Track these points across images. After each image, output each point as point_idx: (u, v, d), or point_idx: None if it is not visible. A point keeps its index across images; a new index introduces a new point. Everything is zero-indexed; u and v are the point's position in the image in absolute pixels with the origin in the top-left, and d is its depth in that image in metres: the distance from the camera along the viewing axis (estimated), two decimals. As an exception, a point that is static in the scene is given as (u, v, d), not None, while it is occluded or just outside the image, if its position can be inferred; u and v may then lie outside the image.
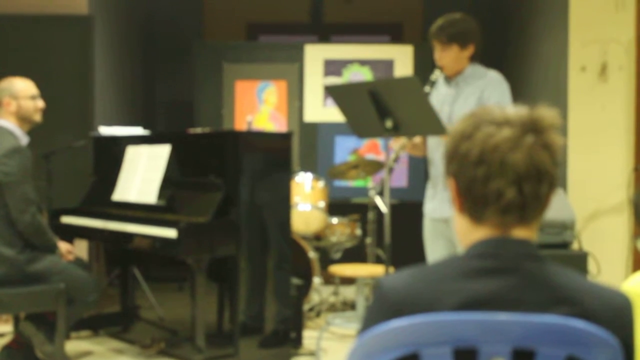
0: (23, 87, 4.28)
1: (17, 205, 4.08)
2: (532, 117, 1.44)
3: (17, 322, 4.54)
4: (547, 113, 1.46)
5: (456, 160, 1.47)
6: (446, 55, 3.82)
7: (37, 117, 4.32)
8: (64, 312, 4.11)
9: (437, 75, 3.85)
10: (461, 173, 1.47)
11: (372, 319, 1.45)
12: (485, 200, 1.44)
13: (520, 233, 1.46)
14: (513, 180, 1.41)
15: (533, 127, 1.43)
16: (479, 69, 3.90)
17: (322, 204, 5.84)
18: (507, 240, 1.45)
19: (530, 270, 1.42)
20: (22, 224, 4.09)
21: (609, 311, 1.41)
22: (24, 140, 4.25)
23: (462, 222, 1.52)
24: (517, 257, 1.43)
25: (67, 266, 4.26)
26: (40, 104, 4.33)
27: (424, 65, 7.07)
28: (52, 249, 4.26)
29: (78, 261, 4.47)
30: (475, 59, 3.90)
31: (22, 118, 4.25)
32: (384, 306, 1.44)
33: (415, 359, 1.38)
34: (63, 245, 4.34)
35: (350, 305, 6.13)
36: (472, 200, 1.47)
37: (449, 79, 3.92)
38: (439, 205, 3.87)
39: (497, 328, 1.34)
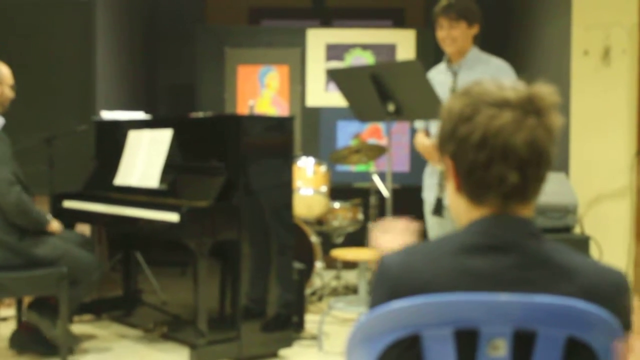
0: (7, 74, 4.29)
1: None
2: (531, 97, 1.41)
3: (19, 305, 4.55)
4: (545, 91, 1.43)
5: (454, 142, 1.45)
6: (454, 32, 3.81)
7: (7, 107, 4.30)
8: (66, 295, 4.12)
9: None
10: (461, 156, 1.44)
11: (375, 294, 1.46)
12: (487, 184, 1.43)
13: (519, 211, 1.46)
14: (515, 165, 1.40)
15: (534, 108, 1.40)
16: (481, 54, 3.91)
17: (324, 188, 5.84)
18: (507, 218, 1.45)
19: (530, 248, 1.42)
20: (7, 205, 4.06)
21: (608, 287, 1.41)
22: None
23: (459, 201, 1.51)
24: (517, 235, 1.43)
25: (69, 248, 4.27)
26: (12, 94, 4.32)
27: (426, 50, 7.05)
28: (43, 225, 4.23)
29: (80, 238, 4.49)
30: (476, 43, 3.91)
31: (0, 103, 4.25)
32: (384, 281, 1.45)
33: (416, 340, 1.39)
34: (54, 223, 4.34)
35: (352, 290, 6.14)
36: (473, 183, 1.45)
37: (450, 64, 3.91)
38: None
39: (498, 309, 1.34)
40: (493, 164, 1.40)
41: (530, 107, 1.41)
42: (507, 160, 1.40)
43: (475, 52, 3.89)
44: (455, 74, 3.83)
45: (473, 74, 3.81)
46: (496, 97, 1.42)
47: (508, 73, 3.85)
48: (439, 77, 3.93)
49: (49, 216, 4.34)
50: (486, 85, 1.45)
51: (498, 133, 1.39)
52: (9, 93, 4.29)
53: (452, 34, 3.81)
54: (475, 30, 3.86)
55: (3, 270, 4.05)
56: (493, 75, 3.77)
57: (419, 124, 4.06)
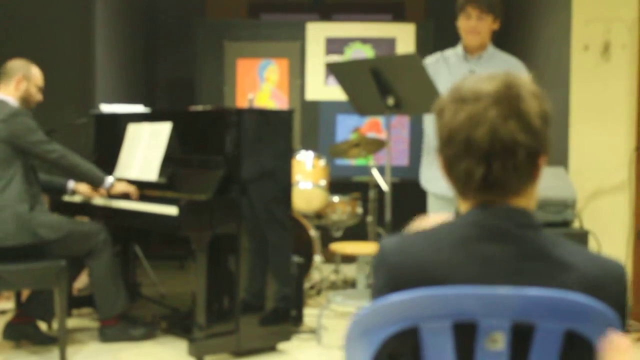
0: (37, 75, 4.42)
1: (41, 153, 4.20)
2: (502, 87, 1.41)
3: (18, 298, 4.56)
4: (519, 79, 1.44)
5: (437, 138, 1.49)
6: (482, 24, 3.81)
7: (33, 107, 4.44)
8: (64, 289, 4.13)
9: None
10: (439, 151, 1.48)
11: (376, 281, 1.47)
12: (459, 180, 1.45)
13: (513, 201, 1.46)
14: (479, 159, 1.40)
15: (500, 99, 1.40)
16: (496, 51, 3.93)
17: (323, 182, 5.84)
18: (499, 208, 1.45)
19: (527, 239, 1.42)
20: (57, 164, 4.24)
21: (606, 279, 1.41)
22: None
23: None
24: (511, 226, 1.43)
25: (73, 226, 4.31)
26: (40, 97, 4.45)
27: (426, 44, 7.04)
28: (98, 182, 4.42)
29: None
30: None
31: (24, 100, 4.35)
32: (383, 267, 1.45)
33: (414, 333, 1.39)
34: (120, 185, 4.45)
35: (350, 283, 6.14)
36: (452, 178, 1.48)
37: (467, 55, 3.91)
38: None
39: (496, 302, 1.34)
40: (459, 159, 1.42)
41: (496, 98, 1.40)
42: (471, 155, 1.41)
43: (492, 48, 3.91)
44: (475, 65, 3.84)
45: (492, 69, 3.81)
46: (466, 92, 1.43)
47: (523, 72, 3.86)
48: (453, 61, 3.93)
49: (111, 178, 4.44)
50: (463, 82, 1.47)
51: (460, 128, 1.41)
52: (35, 93, 4.41)
53: (478, 26, 3.80)
54: (496, 26, 3.87)
55: (10, 250, 4.07)
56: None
57: None
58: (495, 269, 1.39)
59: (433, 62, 3.94)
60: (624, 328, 1.41)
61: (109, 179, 4.42)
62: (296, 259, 4.71)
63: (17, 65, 4.34)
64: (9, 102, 4.25)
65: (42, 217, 4.19)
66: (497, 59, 3.90)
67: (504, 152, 1.39)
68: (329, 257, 6.50)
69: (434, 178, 3.98)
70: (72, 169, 4.32)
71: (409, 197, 5.85)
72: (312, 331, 4.68)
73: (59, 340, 4.11)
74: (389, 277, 1.42)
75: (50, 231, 4.18)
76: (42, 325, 4.51)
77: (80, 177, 4.44)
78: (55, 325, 4.44)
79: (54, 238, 4.18)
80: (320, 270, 5.90)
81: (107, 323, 4.42)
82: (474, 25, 3.81)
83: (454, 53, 3.97)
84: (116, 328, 4.43)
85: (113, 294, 4.38)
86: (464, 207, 1.50)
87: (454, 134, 1.42)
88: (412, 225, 1.78)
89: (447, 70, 3.91)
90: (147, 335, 4.50)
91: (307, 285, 5.66)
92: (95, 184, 4.43)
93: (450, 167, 1.46)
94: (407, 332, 1.38)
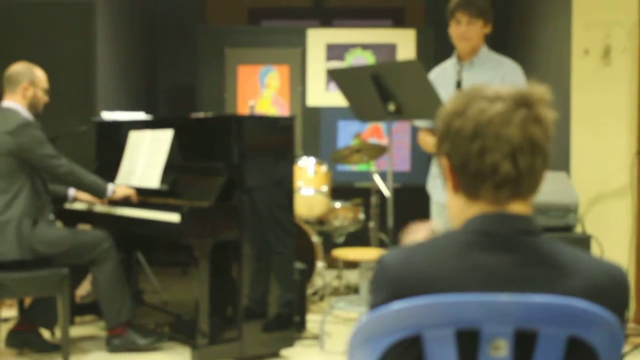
0: (42, 78, 4.40)
1: (49, 167, 4.19)
2: (522, 93, 1.45)
3: (21, 306, 4.56)
4: (536, 88, 1.47)
5: (449, 138, 1.48)
6: (471, 29, 3.81)
7: (41, 110, 4.42)
8: (67, 297, 4.13)
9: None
10: (455, 150, 1.47)
11: (376, 294, 1.46)
12: (481, 175, 1.44)
13: (517, 208, 1.47)
14: (508, 153, 1.42)
15: (524, 102, 1.43)
16: (491, 53, 3.93)
17: (325, 188, 5.84)
18: (504, 215, 1.46)
19: (529, 246, 1.43)
20: (63, 178, 4.27)
21: (608, 284, 1.42)
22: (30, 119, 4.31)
23: (457, 200, 1.52)
24: (515, 233, 1.44)
25: (74, 238, 4.29)
26: (47, 98, 4.43)
27: (427, 50, 7.05)
28: (102, 193, 4.42)
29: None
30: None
31: (32, 105, 4.33)
32: (385, 281, 1.45)
33: (417, 340, 1.39)
34: (120, 190, 4.46)
35: (353, 289, 6.14)
36: (468, 176, 1.47)
37: (461, 61, 3.91)
38: None
39: (499, 309, 1.34)
40: (486, 153, 1.43)
41: (520, 101, 1.44)
42: (499, 149, 1.42)
43: (485, 51, 3.91)
44: (460, 70, 3.84)
45: (484, 73, 3.81)
46: (488, 93, 1.46)
47: (519, 74, 3.86)
48: (451, 71, 3.94)
49: (111, 185, 4.44)
50: (480, 85, 1.50)
51: (490, 123, 1.42)
52: (42, 96, 4.39)
53: (469, 32, 3.80)
54: (488, 29, 3.87)
55: (11, 262, 4.07)
56: (504, 75, 3.79)
57: (420, 123, 4.06)
58: (498, 277, 1.39)
59: (434, 78, 3.94)
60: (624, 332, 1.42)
61: (110, 188, 4.42)
62: (299, 265, 4.71)
63: (21, 71, 4.30)
64: (19, 111, 4.23)
65: (44, 234, 4.17)
66: (491, 62, 3.89)
67: (530, 150, 1.43)
68: (332, 263, 6.50)
69: (438, 187, 4.00)
70: (77, 183, 4.33)
71: (411, 202, 5.86)
72: (315, 337, 4.68)
73: (62, 347, 4.11)
74: (391, 291, 1.42)
75: (49, 248, 4.16)
76: (45, 333, 4.51)
77: (84, 189, 4.44)
78: (58, 332, 4.43)
79: (53, 254, 4.17)
80: (323, 276, 5.90)
81: (114, 332, 4.40)
82: (464, 30, 3.82)
83: (450, 63, 3.98)
84: (123, 338, 4.38)
85: (118, 301, 4.35)
86: (468, 212, 1.49)
87: (482, 129, 1.42)
88: (407, 234, 1.80)
89: (445, 81, 3.92)
90: (155, 344, 4.46)
91: (309, 291, 5.66)
92: (99, 195, 4.44)
93: (468, 164, 1.45)
94: (411, 340, 1.38)
